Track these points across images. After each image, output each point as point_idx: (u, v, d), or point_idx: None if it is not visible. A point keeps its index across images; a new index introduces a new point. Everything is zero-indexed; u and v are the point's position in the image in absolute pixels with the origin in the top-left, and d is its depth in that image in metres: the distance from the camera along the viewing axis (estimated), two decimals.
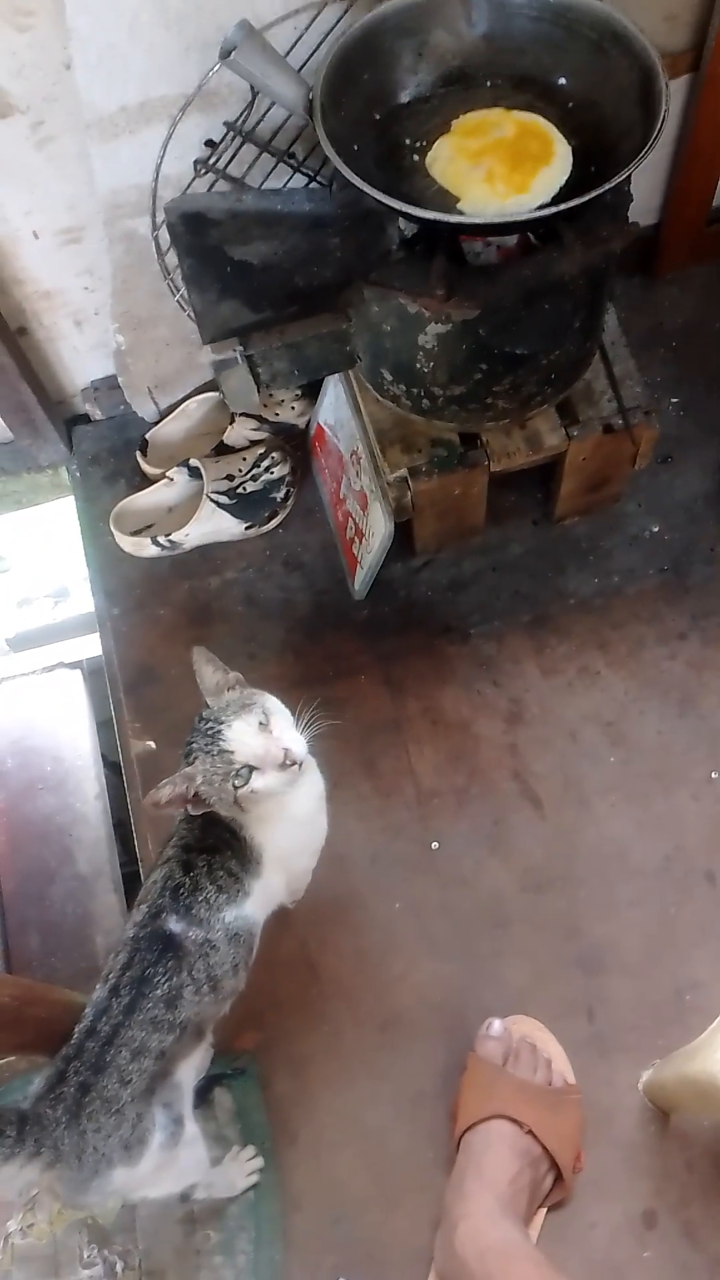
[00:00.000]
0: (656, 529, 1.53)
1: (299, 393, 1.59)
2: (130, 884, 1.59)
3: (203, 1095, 1.20)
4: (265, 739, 0.94)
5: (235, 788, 0.93)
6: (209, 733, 0.95)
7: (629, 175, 1.04)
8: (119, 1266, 1.12)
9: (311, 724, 1.00)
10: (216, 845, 1.00)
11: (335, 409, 1.48)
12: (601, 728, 1.40)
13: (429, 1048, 1.22)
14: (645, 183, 1.59)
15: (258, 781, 0.94)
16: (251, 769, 0.94)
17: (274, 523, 1.54)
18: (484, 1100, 1.12)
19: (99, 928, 1.67)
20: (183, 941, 0.96)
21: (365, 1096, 1.21)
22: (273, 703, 0.99)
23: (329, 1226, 1.13)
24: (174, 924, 0.96)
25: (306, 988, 1.26)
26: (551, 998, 1.24)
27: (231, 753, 0.93)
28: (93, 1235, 1.14)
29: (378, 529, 1.36)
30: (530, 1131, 1.09)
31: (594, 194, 1.01)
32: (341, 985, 1.27)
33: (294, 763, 0.95)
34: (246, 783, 0.94)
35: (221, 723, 0.94)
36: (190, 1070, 1.02)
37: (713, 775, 1.36)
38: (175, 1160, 0.97)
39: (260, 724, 0.95)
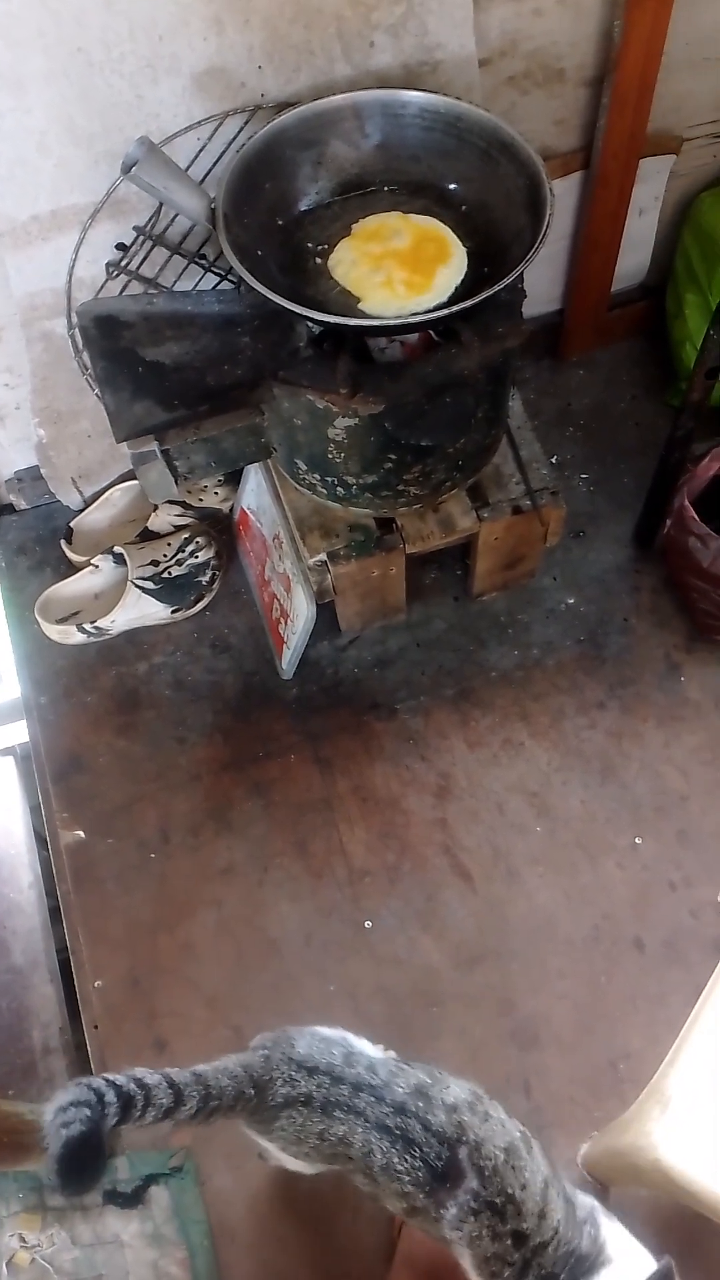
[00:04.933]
0: (572, 601, 1.58)
1: (222, 479, 1.62)
2: (65, 970, 1.57)
3: (139, 1195, 1.18)
4: None
5: None
6: None
7: (519, 275, 1.09)
8: None
9: None
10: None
11: (257, 495, 1.51)
12: (527, 799, 1.43)
13: None
14: (547, 273, 1.67)
15: None
16: None
17: (200, 606, 1.56)
18: None
19: (36, 1021, 1.63)
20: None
21: (306, 1187, 1.19)
22: None
23: None
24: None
25: None
26: (488, 1074, 1.23)
27: None
28: None
29: (301, 610, 1.39)
30: None
31: (485, 295, 1.07)
32: None
33: None
34: None
35: None
36: None
37: (636, 841, 1.39)
38: None
39: None
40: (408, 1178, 0.85)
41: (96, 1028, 1.29)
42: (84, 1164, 0.81)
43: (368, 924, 1.35)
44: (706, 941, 1.34)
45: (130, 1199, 1.16)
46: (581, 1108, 1.23)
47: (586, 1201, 0.89)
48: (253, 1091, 0.88)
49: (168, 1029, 1.29)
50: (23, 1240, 1.16)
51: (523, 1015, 1.29)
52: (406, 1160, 0.85)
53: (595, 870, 1.37)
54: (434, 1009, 1.29)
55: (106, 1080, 0.83)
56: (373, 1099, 0.87)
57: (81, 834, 1.42)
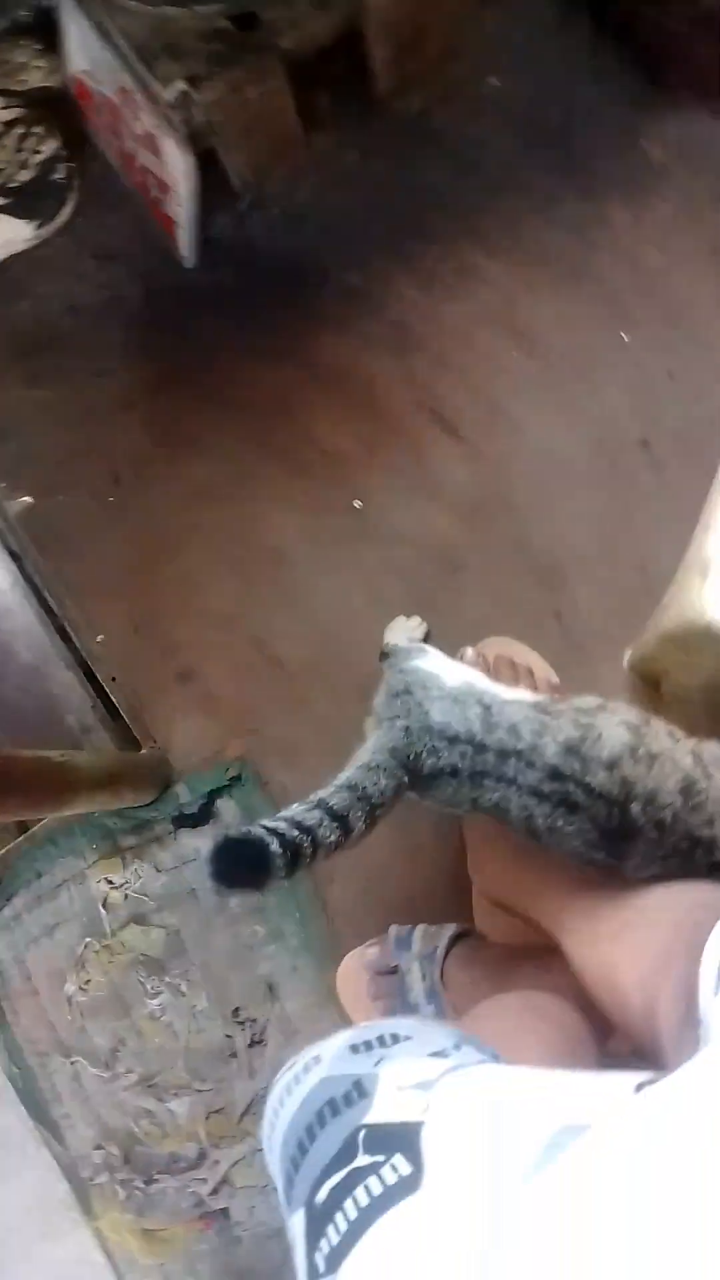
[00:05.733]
0: (500, 82, 1.31)
1: (39, 48, 1.30)
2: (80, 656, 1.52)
3: (206, 812, 1.18)
4: None
5: None
6: None
7: None
8: (183, 986, 1.14)
9: None
10: None
11: (84, 48, 1.20)
12: (496, 326, 1.26)
13: None
14: None
15: None
16: None
17: (65, 212, 1.30)
18: None
19: (65, 707, 1.61)
20: None
21: None
22: None
23: (362, 893, 1.14)
24: None
25: (276, 682, 1.21)
26: (518, 618, 1.19)
27: None
28: (149, 969, 1.16)
29: (178, 169, 1.14)
30: None
31: None
32: (309, 667, 1.21)
33: None
34: None
35: None
36: None
37: (622, 337, 1.24)
38: None
39: None
40: (578, 840, 0.76)
41: (115, 680, 1.24)
42: (244, 861, 0.71)
43: (358, 504, 1.24)
44: (716, 425, 1.22)
45: (199, 817, 1.17)
46: (617, 619, 1.18)
47: None
48: (406, 776, 0.79)
49: (188, 659, 1.23)
50: (109, 882, 1.18)
51: (542, 551, 1.21)
52: (573, 824, 0.75)
53: (584, 381, 1.24)
54: (451, 572, 1.22)
55: (267, 829, 0.72)
56: (522, 765, 0.75)
57: (29, 499, 1.28)
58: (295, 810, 0.75)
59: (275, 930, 1.13)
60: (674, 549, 1.19)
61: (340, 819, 0.74)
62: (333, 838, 0.73)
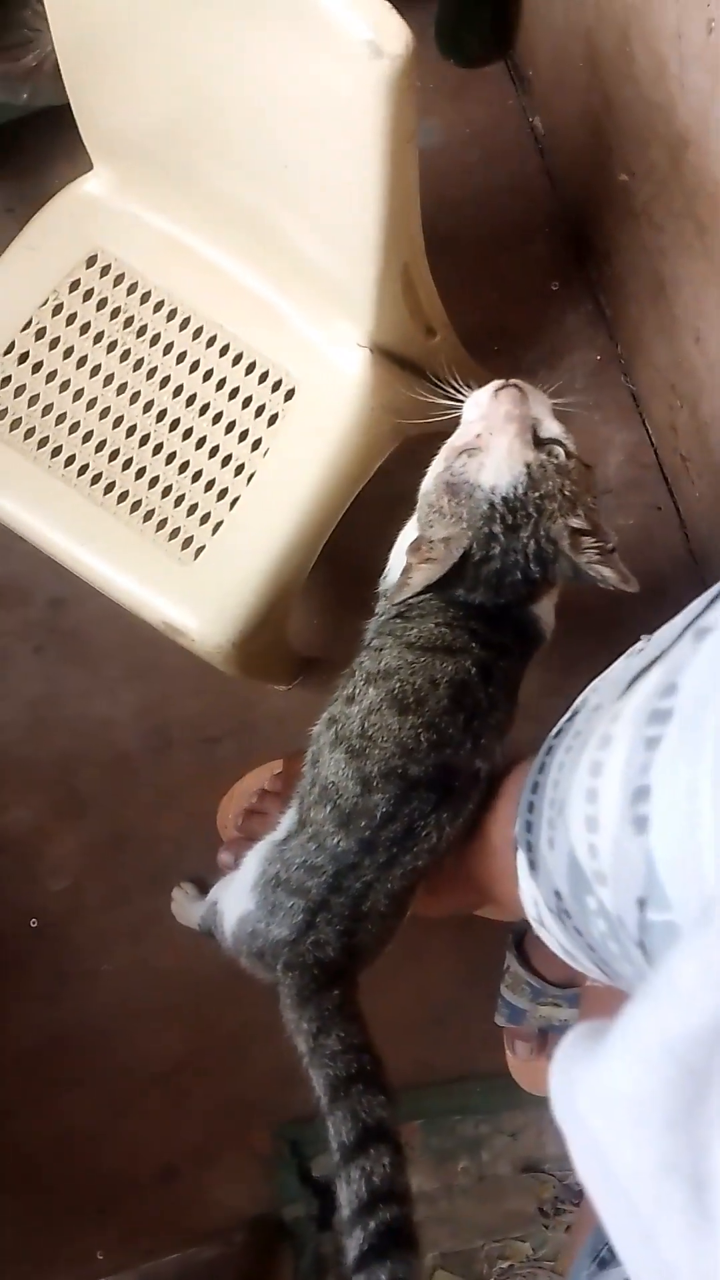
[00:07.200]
0: None
1: None
2: None
3: (327, 1197, 1.03)
4: None
5: None
6: None
7: None
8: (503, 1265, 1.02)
9: None
10: None
11: None
12: None
13: None
14: None
15: None
16: None
17: None
18: None
19: None
20: None
21: None
22: None
23: (435, 1036, 1.05)
24: None
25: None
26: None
27: None
28: None
29: None
30: None
31: None
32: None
33: None
34: None
35: None
36: None
37: None
38: None
39: None
40: (448, 824, 0.69)
41: None
42: None
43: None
44: None
45: (327, 1207, 1.02)
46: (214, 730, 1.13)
47: None
48: (337, 991, 0.69)
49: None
50: None
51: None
52: (425, 833, 0.68)
53: None
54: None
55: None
56: (350, 872, 0.69)
57: None
58: (344, 1197, 0.59)
59: (468, 1142, 1.03)
60: None
61: (362, 1125, 0.61)
62: (387, 1159, 0.60)
